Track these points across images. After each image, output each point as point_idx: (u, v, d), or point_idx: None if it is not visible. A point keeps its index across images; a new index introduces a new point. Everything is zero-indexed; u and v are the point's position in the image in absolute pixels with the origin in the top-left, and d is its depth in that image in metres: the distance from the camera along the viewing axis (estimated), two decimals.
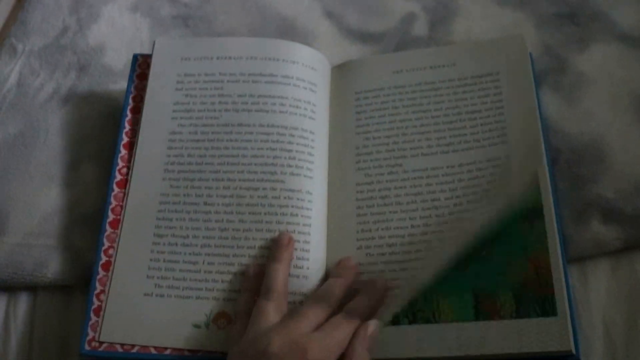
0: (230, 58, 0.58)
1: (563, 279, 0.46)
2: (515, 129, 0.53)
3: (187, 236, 0.51)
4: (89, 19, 0.66)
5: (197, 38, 0.65)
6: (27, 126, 0.60)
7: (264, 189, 0.52)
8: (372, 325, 0.45)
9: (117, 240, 0.52)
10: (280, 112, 0.55)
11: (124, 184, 0.54)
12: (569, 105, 0.57)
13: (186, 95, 0.56)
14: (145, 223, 0.52)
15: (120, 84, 0.61)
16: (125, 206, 0.53)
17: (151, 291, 0.50)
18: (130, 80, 0.58)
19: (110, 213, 0.52)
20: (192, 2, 0.68)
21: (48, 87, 0.62)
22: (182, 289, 0.50)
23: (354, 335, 0.44)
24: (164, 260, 0.51)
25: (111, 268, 0.51)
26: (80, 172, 0.57)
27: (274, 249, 0.49)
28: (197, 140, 0.54)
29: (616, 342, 0.49)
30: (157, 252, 0.51)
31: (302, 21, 0.66)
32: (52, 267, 0.53)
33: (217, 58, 0.58)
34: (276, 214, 0.51)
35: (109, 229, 0.52)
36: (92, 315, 0.49)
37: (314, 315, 0.45)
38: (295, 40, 0.59)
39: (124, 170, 0.54)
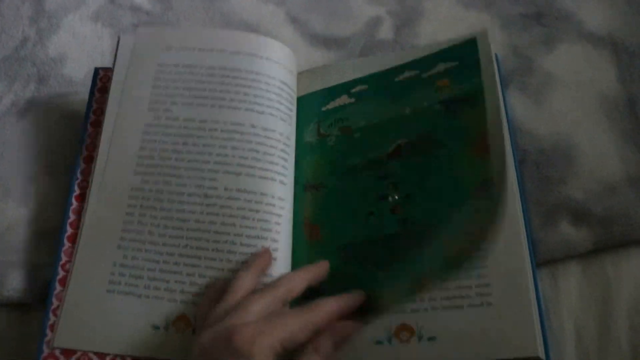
0: (212, 50, 0.55)
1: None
2: None
3: (154, 233, 0.49)
4: (49, 29, 0.65)
5: (178, 28, 0.63)
6: None
7: (238, 190, 0.50)
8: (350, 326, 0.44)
9: (78, 238, 0.50)
10: (259, 112, 0.53)
11: (84, 198, 0.52)
12: (537, 106, 0.57)
13: (165, 87, 0.54)
14: (113, 217, 0.50)
15: (80, 95, 0.60)
16: (90, 198, 0.51)
17: (113, 289, 0.48)
18: (92, 93, 0.57)
19: (68, 227, 0.51)
20: (154, 10, 0.67)
21: (6, 99, 0.61)
22: (144, 288, 0.48)
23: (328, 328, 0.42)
24: (131, 258, 0.49)
25: (69, 271, 0.49)
26: (38, 186, 0.56)
27: (250, 257, 0.48)
28: (173, 135, 0.52)
29: (588, 346, 0.48)
30: (123, 248, 0.49)
31: (266, 27, 0.65)
32: (9, 284, 0.51)
33: (199, 49, 0.55)
34: (247, 218, 0.49)
35: (66, 244, 0.50)
36: (48, 331, 0.47)
37: (257, 305, 0.42)
38: None
39: (84, 184, 0.52)
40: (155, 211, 0.50)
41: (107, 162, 0.51)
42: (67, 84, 0.62)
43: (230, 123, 0.52)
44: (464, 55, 0.52)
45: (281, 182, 0.51)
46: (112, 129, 0.53)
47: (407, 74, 0.55)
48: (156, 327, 0.47)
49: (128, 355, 0.46)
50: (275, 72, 0.55)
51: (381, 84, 0.55)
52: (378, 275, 0.48)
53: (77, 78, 0.62)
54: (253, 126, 0.52)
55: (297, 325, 0.41)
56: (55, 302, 0.48)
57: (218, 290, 0.46)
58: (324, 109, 0.56)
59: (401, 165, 0.51)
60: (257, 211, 0.50)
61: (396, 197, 0.50)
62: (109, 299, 0.48)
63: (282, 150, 0.52)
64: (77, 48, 0.64)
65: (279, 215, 0.50)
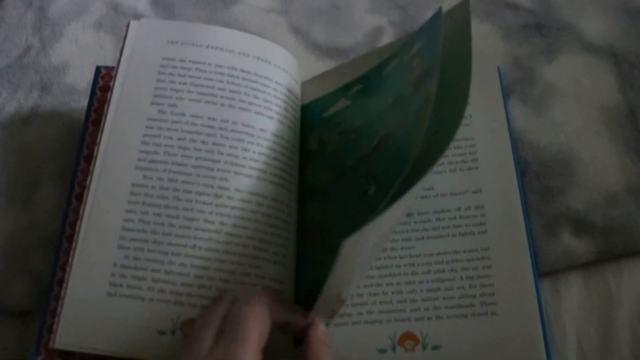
0: (221, 49, 0.54)
1: None
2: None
3: (158, 232, 0.47)
4: (52, 37, 0.65)
5: (185, 22, 0.62)
6: None
7: (250, 193, 0.49)
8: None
9: (75, 237, 0.47)
10: (269, 117, 0.52)
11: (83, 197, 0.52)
12: (538, 116, 0.57)
13: (170, 82, 0.52)
14: (112, 214, 0.47)
15: (82, 103, 0.60)
16: (89, 194, 0.48)
17: (115, 291, 0.45)
18: (93, 92, 0.57)
19: (67, 227, 0.51)
20: (156, 18, 0.67)
21: (9, 107, 0.61)
22: (148, 290, 0.46)
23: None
24: (133, 258, 0.46)
25: (67, 272, 0.46)
26: (40, 194, 0.56)
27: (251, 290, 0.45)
28: (180, 131, 0.50)
29: (590, 356, 0.48)
30: (124, 247, 0.46)
31: (268, 36, 0.64)
32: (10, 292, 0.51)
33: (207, 47, 0.54)
34: (260, 222, 0.48)
35: (66, 244, 0.50)
36: (45, 333, 0.47)
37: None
38: None
39: (84, 183, 0.52)
40: (159, 209, 0.47)
41: (105, 156, 0.49)
42: (70, 92, 0.62)
43: (241, 124, 0.51)
44: (432, 29, 0.49)
45: (289, 189, 0.51)
46: (112, 122, 0.50)
47: (392, 64, 0.54)
48: (162, 333, 0.45)
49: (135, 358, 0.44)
50: (283, 79, 0.55)
51: (373, 81, 0.54)
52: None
53: (79, 86, 0.62)
54: (263, 130, 0.51)
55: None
56: (53, 304, 0.48)
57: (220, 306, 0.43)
58: (325, 115, 0.56)
59: (381, 158, 0.49)
60: (269, 216, 0.49)
61: (372, 192, 0.49)
62: (110, 302, 0.45)
63: (290, 158, 0.52)
64: (80, 56, 0.64)
65: (287, 222, 0.50)
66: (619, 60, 0.60)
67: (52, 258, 0.51)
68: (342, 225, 0.50)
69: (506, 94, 0.57)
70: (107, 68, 0.58)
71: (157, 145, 0.50)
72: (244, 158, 0.50)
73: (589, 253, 0.51)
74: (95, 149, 0.50)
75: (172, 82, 0.52)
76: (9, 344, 0.51)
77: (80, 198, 0.51)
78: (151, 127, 0.50)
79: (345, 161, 0.52)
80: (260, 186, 0.49)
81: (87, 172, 0.52)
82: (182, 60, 0.53)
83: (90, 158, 0.53)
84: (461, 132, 0.53)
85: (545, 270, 0.50)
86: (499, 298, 0.46)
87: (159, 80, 0.52)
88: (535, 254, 0.49)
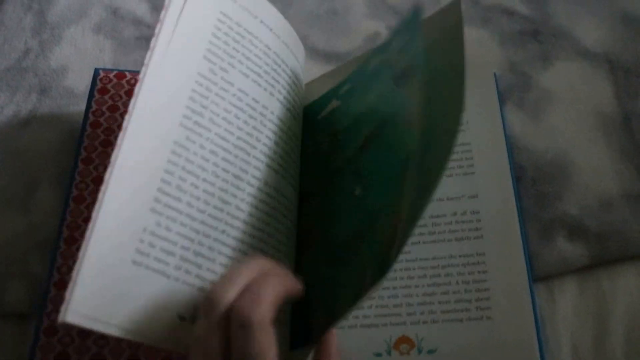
0: (270, 30, 0.51)
1: None
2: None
3: (193, 206, 0.42)
4: (52, 41, 0.66)
5: None
6: None
7: (275, 189, 0.47)
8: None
9: (104, 184, 0.39)
10: (295, 117, 0.51)
11: (81, 200, 0.52)
12: (534, 122, 0.57)
13: (225, 42, 0.47)
14: (150, 167, 0.41)
15: (81, 107, 0.60)
16: (127, 135, 0.40)
17: (141, 260, 0.39)
18: (91, 95, 0.57)
19: (65, 229, 0.51)
20: (155, 23, 0.67)
21: (8, 109, 0.61)
22: (175, 269, 0.40)
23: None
24: (164, 227, 0.40)
25: (92, 219, 0.38)
26: (38, 196, 0.56)
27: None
28: (227, 101, 0.46)
29: None
30: (157, 212, 0.40)
31: None
32: (7, 294, 0.51)
33: (261, 22, 0.50)
34: (278, 221, 0.47)
35: (63, 246, 0.50)
36: (42, 336, 0.47)
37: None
38: None
39: (82, 185, 0.52)
40: (198, 180, 0.43)
41: (148, 97, 0.42)
42: (69, 95, 0.62)
43: (277, 116, 0.49)
44: (412, 26, 0.48)
45: (295, 189, 0.51)
46: (160, 63, 0.43)
47: (376, 60, 0.53)
48: (183, 318, 0.40)
49: (148, 344, 0.40)
50: (301, 79, 0.55)
51: (359, 78, 0.54)
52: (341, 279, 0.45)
53: (78, 90, 0.62)
54: (290, 129, 0.50)
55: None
56: (50, 306, 0.48)
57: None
58: (319, 117, 0.56)
59: (366, 157, 0.49)
60: (285, 216, 0.48)
61: (359, 193, 0.47)
62: (135, 271, 0.39)
63: (297, 158, 0.52)
64: (79, 60, 0.65)
65: (294, 225, 0.50)
66: (614, 67, 0.60)
67: (49, 260, 0.52)
68: (334, 228, 0.49)
69: (502, 99, 0.58)
70: (105, 70, 0.59)
71: (204, 107, 0.44)
72: (275, 152, 0.47)
73: (583, 258, 0.51)
74: (137, 85, 0.42)
75: (226, 43, 0.47)
76: (6, 346, 0.51)
77: (77, 201, 0.52)
78: (200, 85, 0.45)
79: (335, 163, 0.52)
80: (282, 185, 0.48)
81: (84, 175, 0.53)
82: (239, 25, 0.49)
83: (87, 161, 0.53)
84: (458, 138, 0.54)
85: (540, 274, 0.51)
86: (494, 302, 0.46)
87: (214, 35, 0.47)
88: (530, 259, 0.50)
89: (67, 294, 0.36)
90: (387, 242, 0.40)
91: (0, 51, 0.65)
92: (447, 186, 0.52)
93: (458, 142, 0.54)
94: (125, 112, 0.56)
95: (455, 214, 0.50)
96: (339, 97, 0.54)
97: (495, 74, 0.58)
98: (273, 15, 0.52)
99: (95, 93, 0.57)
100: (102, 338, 0.48)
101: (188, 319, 0.40)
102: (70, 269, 0.49)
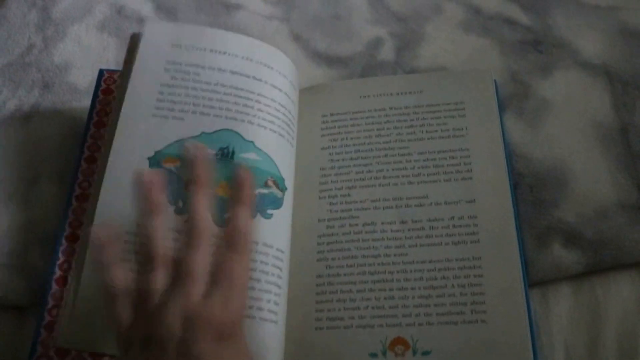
0: (225, 53, 0.55)
1: None
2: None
3: None
4: (55, 37, 0.66)
5: (190, 25, 0.63)
6: None
7: None
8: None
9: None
10: (260, 125, 0.53)
11: (84, 198, 0.52)
12: (532, 130, 0.58)
13: (171, 86, 0.53)
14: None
15: (84, 103, 0.61)
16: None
17: None
18: (95, 95, 0.58)
19: (67, 227, 0.51)
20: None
21: (10, 104, 0.61)
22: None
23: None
24: None
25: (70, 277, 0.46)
26: (39, 191, 0.56)
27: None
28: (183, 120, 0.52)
29: None
30: None
31: (269, 43, 0.65)
32: (7, 287, 0.51)
33: (211, 50, 0.55)
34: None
35: (65, 243, 0.50)
36: (42, 331, 0.47)
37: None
38: None
39: (85, 184, 0.53)
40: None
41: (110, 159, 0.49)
42: (72, 91, 0.62)
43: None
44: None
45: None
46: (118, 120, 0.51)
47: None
48: None
49: None
50: (283, 85, 0.56)
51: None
52: None
53: (81, 86, 0.63)
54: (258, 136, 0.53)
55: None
56: (51, 302, 0.48)
57: None
58: None
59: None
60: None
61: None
62: None
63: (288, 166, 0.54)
64: (82, 57, 0.65)
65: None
66: (612, 78, 0.61)
67: (49, 255, 0.52)
68: None
69: (502, 107, 0.58)
70: (110, 71, 0.59)
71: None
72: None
73: (578, 265, 0.51)
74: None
75: (172, 84, 0.53)
76: (5, 339, 0.51)
77: (80, 199, 0.52)
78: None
79: None
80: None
81: (87, 173, 0.53)
82: (183, 64, 0.54)
83: (91, 159, 0.54)
84: (457, 143, 0.54)
85: (535, 280, 0.51)
86: (489, 306, 0.47)
87: (163, 78, 0.53)
88: (525, 264, 0.50)
89: (60, 321, 0.44)
90: None
91: (3, 46, 0.65)
92: (445, 191, 0.52)
93: (457, 147, 0.54)
94: None
95: (452, 218, 0.51)
96: None
97: (495, 82, 0.58)
98: (227, 39, 0.56)
99: (100, 93, 0.58)
100: None
101: None
102: (71, 266, 0.50)
